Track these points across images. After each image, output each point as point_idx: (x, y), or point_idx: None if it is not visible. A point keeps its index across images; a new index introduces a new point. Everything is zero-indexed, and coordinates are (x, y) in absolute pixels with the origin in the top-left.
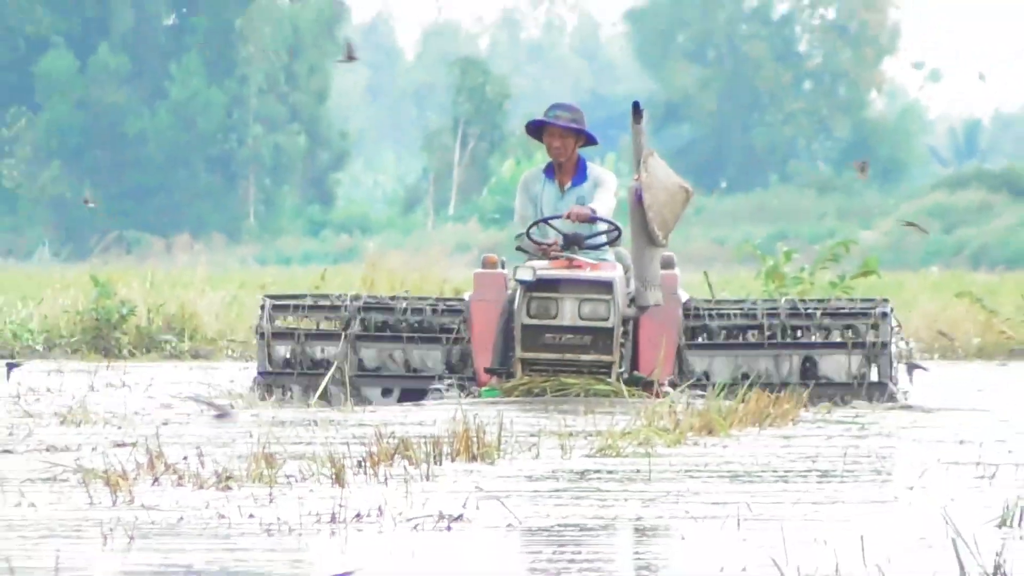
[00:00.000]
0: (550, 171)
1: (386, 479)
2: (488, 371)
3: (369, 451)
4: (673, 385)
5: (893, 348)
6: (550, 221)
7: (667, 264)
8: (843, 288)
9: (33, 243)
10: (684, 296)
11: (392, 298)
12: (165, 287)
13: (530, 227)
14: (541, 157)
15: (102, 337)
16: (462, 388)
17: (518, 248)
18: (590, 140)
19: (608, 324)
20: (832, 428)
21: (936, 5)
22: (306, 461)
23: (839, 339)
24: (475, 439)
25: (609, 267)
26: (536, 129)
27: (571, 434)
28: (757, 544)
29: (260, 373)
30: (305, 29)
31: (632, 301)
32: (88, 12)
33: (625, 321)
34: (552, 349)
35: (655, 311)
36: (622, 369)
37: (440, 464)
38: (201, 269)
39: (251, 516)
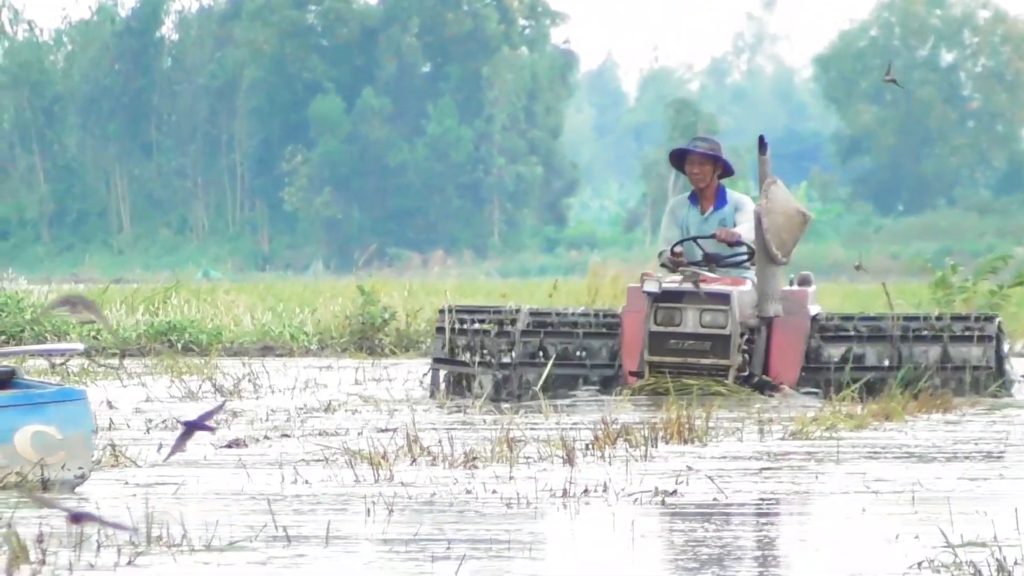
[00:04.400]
0: (694, 198)
1: (610, 459)
2: (632, 374)
3: (595, 435)
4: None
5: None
6: (697, 240)
7: (804, 281)
8: (1000, 295)
9: (308, 258)
10: (815, 310)
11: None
12: (421, 295)
13: (675, 244)
14: (740, 186)
15: (367, 338)
16: (608, 387)
17: (662, 265)
18: (727, 170)
19: (726, 332)
20: (993, 415)
21: None
22: (541, 444)
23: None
24: (687, 425)
25: (732, 281)
26: (678, 161)
27: (769, 420)
28: (927, 515)
29: (434, 359)
30: (542, 75)
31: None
32: (356, 61)
33: (753, 330)
34: (676, 353)
35: (784, 323)
36: (746, 372)
37: (656, 447)
38: (451, 280)
39: (494, 492)
